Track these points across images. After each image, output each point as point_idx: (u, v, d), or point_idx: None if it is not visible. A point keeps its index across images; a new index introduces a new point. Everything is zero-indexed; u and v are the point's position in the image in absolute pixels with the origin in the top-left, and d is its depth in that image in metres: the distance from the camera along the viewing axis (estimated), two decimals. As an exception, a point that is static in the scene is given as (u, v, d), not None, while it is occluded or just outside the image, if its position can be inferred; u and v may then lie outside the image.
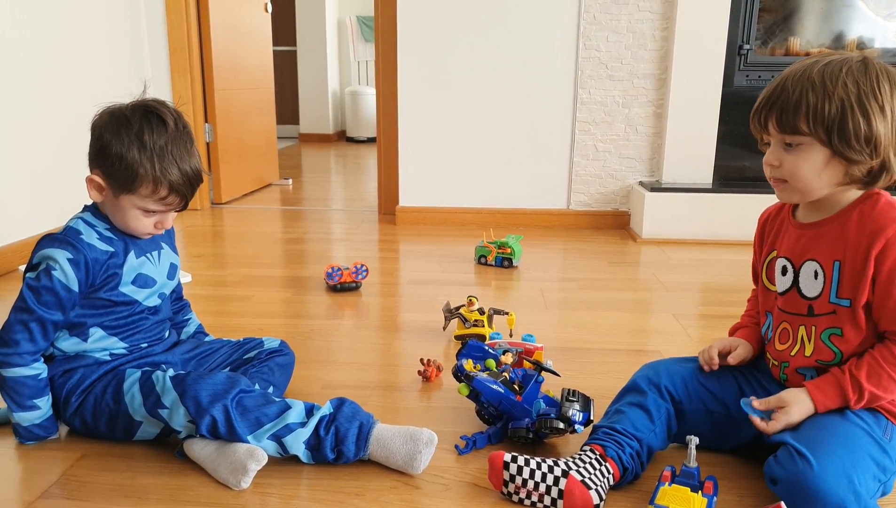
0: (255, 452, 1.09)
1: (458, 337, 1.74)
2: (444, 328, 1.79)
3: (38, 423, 1.19)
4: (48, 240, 1.16)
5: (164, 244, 1.31)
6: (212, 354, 1.36)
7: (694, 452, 1.05)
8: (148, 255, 1.25)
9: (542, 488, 1.03)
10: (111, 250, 1.18)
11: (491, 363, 1.36)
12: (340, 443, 1.13)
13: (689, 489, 1.01)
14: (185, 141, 1.16)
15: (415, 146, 3.06)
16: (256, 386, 1.20)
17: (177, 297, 1.41)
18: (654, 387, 1.18)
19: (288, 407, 1.14)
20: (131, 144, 1.12)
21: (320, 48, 6.72)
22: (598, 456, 1.08)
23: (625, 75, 2.91)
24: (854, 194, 1.05)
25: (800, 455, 0.96)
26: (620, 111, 2.95)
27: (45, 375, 1.17)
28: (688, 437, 1.06)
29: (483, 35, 2.92)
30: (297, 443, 1.12)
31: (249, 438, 1.11)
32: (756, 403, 1.08)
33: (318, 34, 6.69)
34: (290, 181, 4.36)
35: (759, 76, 2.86)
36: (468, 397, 1.26)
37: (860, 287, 1.01)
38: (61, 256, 1.13)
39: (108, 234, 1.20)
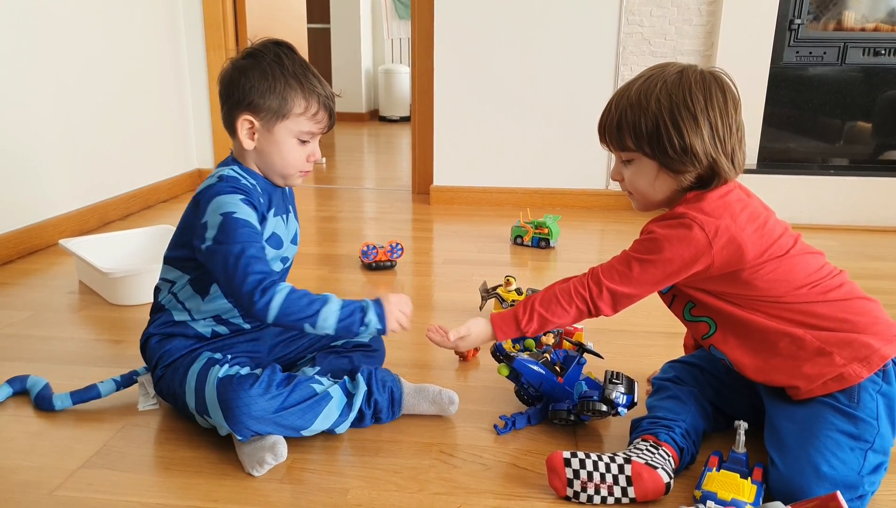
0: (277, 448, 1.07)
1: (495, 317, 1.71)
2: (481, 308, 1.77)
3: (343, 311, 1.07)
4: (211, 192, 1.10)
5: (290, 209, 1.29)
6: (300, 338, 1.33)
7: (743, 438, 1.02)
8: (282, 216, 1.23)
9: (610, 479, 0.99)
10: (260, 201, 1.16)
11: (530, 343, 1.34)
12: (378, 413, 1.20)
13: (738, 475, 0.98)
14: (311, 66, 1.17)
15: (450, 124, 3.02)
16: (315, 369, 1.20)
17: None
18: (668, 380, 1.21)
19: (329, 398, 1.13)
20: (274, 70, 1.12)
21: (354, 26, 6.70)
22: (651, 444, 1.05)
23: (668, 52, 2.83)
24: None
25: (772, 462, 0.99)
26: (662, 89, 2.87)
27: (294, 288, 1.06)
28: (736, 423, 1.04)
29: (522, 11, 2.86)
30: (345, 428, 1.16)
31: (307, 430, 1.11)
32: (450, 333, 1.18)
33: (352, 12, 6.66)
34: (324, 160, 4.36)
35: (811, 52, 2.74)
36: (508, 377, 1.23)
37: None
38: (234, 199, 1.09)
39: (256, 188, 1.17)
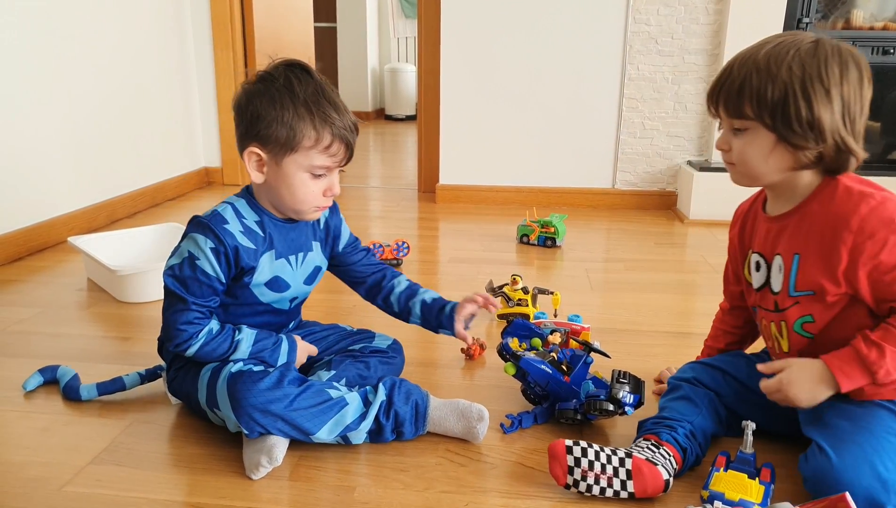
0: (273, 451, 1.05)
1: (501, 316, 1.72)
2: (487, 307, 1.77)
3: (256, 349, 1.13)
4: (194, 225, 1.10)
5: (315, 245, 1.23)
6: (318, 342, 1.30)
7: (751, 438, 1.02)
8: (290, 257, 1.18)
9: (610, 470, 0.99)
10: (252, 247, 1.11)
11: (537, 341, 1.34)
12: (400, 426, 1.13)
13: (745, 475, 0.98)
14: (332, 89, 1.08)
15: (457, 123, 3.02)
16: (330, 373, 1.19)
17: (368, 266, 1.36)
18: (684, 381, 1.18)
19: (345, 404, 1.10)
20: (283, 97, 1.04)
21: (360, 25, 6.70)
22: (652, 443, 1.05)
23: (675, 50, 2.82)
24: (814, 180, 1.01)
25: (821, 449, 0.94)
26: (670, 88, 2.87)
27: (216, 328, 1.11)
28: (744, 422, 1.03)
29: (529, 9, 2.85)
30: (359, 437, 1.11)
31: (315, 436, 1.09)
32: (761, 367, 1.05)
33: (359, 11, 6.66)
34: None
35: (819, 51, 2.74)
36: (514, 376, 1.23)
37: (827, 279, 0.97)
38: (205, 245, 1.07)
39: (256, 228, 1.13)
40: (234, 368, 1.10)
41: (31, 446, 1.14)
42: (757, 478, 0.98)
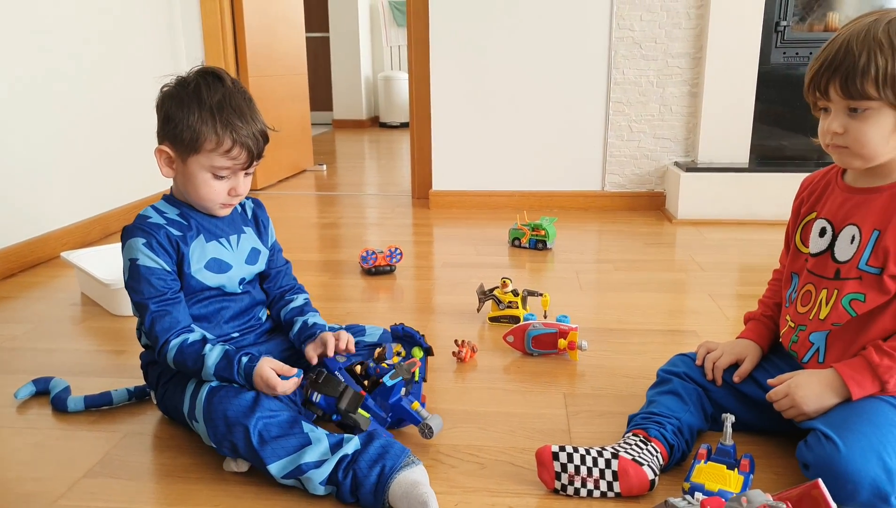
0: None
1: (492, 319, 1.73)
2: (479, 310, 1.79)
3: (220, 366, 1.10)
4: (123, 234, 1.16)
5: (247, 229, 1.28)
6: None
7: (730, 430, 1.04)
8: (222, 240, 1.22)
9: (596, 473, 1.00)
10: (179, 233, 1.17)
11: (417, 352, 1.29)
12: (357, 489, 1.00)
13: (724, 466, 1.00)
14: (243, 97, 1.15)
15: (448, 130, 3.05)
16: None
17: (280, 282, 1.35)
18: (675, 375, 1.19)
19: (308, 443, 1.03)
20: (191, 102, 1.12)
21: (353, 34, 6.73)
22: (641, 439, 1.06)
23: (659, 55, 2.86)
24: None
25: (827, 438, 0.94)
26: (655, 91, 2.90)
27: (192, 338, 1.12)
28: (724, 415, 1.05)
29: (515, 17, 2.88)
30: (312, 484, 1.02)
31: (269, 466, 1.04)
32: (771, 380, 1.08)
33: (351, 20, 6.70)
34: (325, 167, 4.39)
35: (797, 53, 2.79)
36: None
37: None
38: (137, 244, 1.13)
39: (179, 219, 1.19)
40: (215, 383, 1.11)
41: (25, 461, 1.16)
42: (736, 469, 1.00)
